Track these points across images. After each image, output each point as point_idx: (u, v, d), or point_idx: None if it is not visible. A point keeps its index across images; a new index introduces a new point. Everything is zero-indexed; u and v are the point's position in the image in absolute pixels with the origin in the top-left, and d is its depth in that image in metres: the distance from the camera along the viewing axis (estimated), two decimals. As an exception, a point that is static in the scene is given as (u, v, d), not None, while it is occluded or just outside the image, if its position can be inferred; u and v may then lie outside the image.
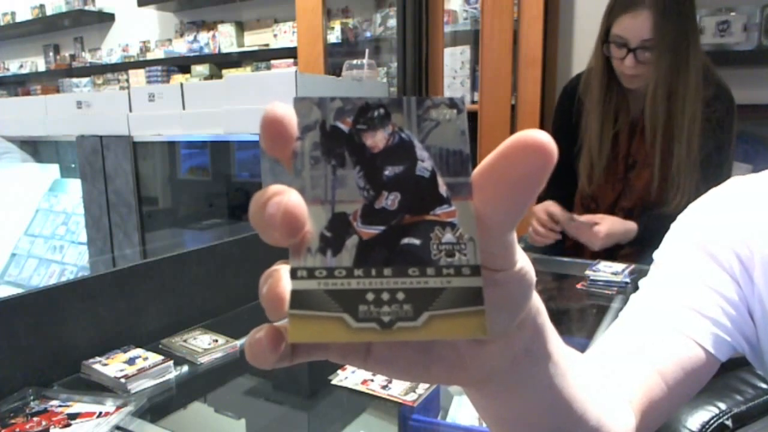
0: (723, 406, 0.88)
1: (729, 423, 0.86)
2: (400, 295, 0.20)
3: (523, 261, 0.24)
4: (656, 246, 0.59)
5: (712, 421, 0.85)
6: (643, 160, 1.41)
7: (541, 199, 1.52)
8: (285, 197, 0.20)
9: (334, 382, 0.72)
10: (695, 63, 1.31)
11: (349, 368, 0.75)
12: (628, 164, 1.43)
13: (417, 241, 0.21)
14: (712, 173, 1.37)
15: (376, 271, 0.21)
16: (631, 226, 1.35)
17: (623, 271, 1.12)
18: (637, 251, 1.36)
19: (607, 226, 1.33)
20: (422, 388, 0.69)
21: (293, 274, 0.20)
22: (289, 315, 0.20)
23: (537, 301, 0.26)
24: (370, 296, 0.20)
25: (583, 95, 1.48)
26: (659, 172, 1.35)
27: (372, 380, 0.72)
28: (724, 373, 0.84)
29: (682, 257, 0.54)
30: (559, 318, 0.87)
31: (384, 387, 0.70)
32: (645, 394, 0.45)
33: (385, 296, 0.20)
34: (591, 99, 1.43)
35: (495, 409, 0.31)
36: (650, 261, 0.58)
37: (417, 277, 0.21)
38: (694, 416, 0.86)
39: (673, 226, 0.58)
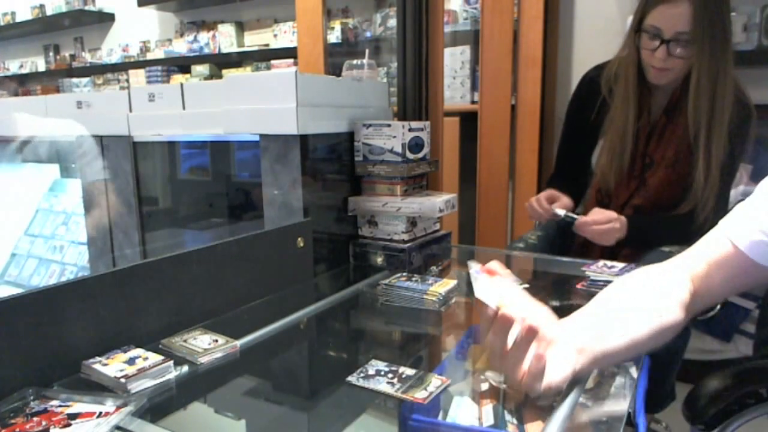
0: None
1: None
2: None
3: None
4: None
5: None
6: (660, 160, 1.40)
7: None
8: None
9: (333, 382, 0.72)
10: (731, 63, 1.29)
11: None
12: (645, 163, 1.42)
13: None
14: (726, 181, 1.36)
15: None
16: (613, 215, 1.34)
17: (623, 271, 1.12)
18: (638, 251, 1.35)
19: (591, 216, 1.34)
20: (422, 387, 0.69)
21: None
22: None
23: None
24: None
25: (605, 87, 1.44)
26: (704, 172, 1.31)
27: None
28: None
29: None
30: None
31: (383, 387, 0.70)
32: None
33: None
34: (620, 93, 1.40)
35: None
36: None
37: None
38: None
39: None
